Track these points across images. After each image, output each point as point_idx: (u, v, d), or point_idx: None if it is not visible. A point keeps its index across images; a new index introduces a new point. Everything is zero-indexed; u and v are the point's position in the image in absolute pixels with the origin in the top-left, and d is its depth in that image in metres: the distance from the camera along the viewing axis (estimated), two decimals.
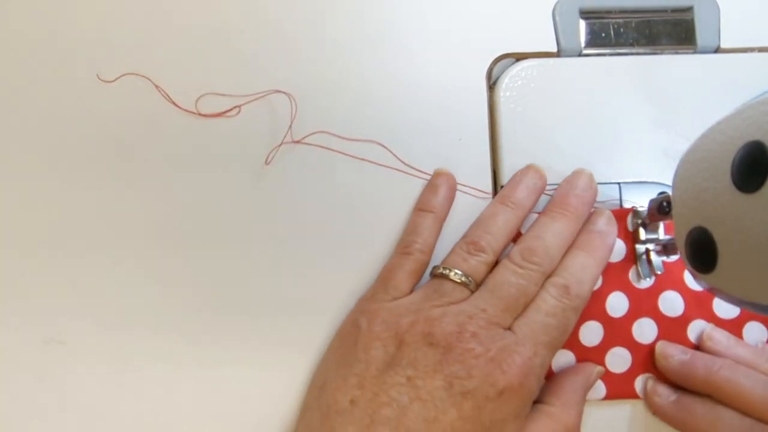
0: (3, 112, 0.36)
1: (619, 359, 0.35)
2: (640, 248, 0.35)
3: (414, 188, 0.36)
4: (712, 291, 0.27)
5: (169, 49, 0.37)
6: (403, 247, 0.34)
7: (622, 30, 0.38)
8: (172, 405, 0.34)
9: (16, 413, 0.33)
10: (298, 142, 0.36)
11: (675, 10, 0.38)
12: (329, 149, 0.36)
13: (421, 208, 0.35)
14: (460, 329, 0.30)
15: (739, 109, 0.25)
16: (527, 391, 0.30)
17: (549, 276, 0.33)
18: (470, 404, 0.29)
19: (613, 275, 0.35)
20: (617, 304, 0.35)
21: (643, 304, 0.35)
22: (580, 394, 0.33)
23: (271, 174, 0.36)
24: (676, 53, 0.38)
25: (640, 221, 0.35)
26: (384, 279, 0.34)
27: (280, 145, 0.36)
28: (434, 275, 0.33)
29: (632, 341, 0.35)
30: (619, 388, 0.35)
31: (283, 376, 0.34)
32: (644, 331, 0.35)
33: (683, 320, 0.35)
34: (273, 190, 0.36)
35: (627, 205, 0.36)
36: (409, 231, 0.35)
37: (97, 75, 0.36)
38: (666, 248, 0.34)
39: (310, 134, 0.36)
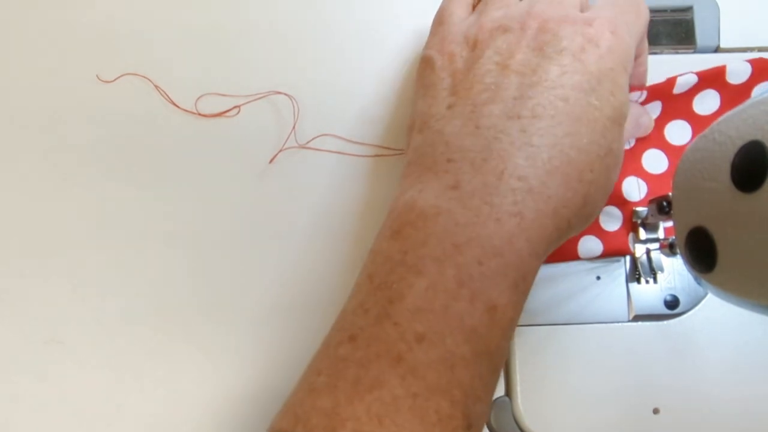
0: (3, 112, 0.36)
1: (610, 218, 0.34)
2: (641, 248, 0.35)
3: None
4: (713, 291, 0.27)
5: (169, 49, 0.37)
6: None
7: None
8: (171, 405, 0.33)
9: (16, 413, 0.33)
10: (304, 147, 0.36)
11: (675, 10, 0.38)
12: (334, 152, 0.36)
13: None
14: (529, 8, 0.29)
15: (739, 108, 0.25)
16: (622, 41, 0.28)
17: None
18: (568, 58, 0.27)
19: None
20: None
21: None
22: None
23: (272, 174, 0.36)
24: (676, 53, 0.38)
25: (639, 221, 0.35)
26: (438, 17, 0.32)
27: (283, 149, 0.36)
28: None
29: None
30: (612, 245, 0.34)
31: (284, 376, 0.34)
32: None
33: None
34: (273, 190, 0.36)
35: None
36: None
37: (97, 75, 0.36)
38: (672, 247, 0.33)
39: (315, 138, 0.36)
